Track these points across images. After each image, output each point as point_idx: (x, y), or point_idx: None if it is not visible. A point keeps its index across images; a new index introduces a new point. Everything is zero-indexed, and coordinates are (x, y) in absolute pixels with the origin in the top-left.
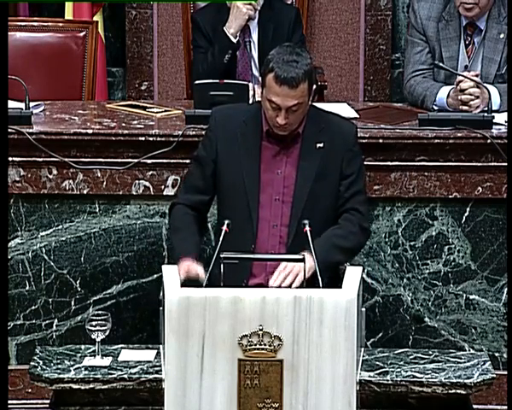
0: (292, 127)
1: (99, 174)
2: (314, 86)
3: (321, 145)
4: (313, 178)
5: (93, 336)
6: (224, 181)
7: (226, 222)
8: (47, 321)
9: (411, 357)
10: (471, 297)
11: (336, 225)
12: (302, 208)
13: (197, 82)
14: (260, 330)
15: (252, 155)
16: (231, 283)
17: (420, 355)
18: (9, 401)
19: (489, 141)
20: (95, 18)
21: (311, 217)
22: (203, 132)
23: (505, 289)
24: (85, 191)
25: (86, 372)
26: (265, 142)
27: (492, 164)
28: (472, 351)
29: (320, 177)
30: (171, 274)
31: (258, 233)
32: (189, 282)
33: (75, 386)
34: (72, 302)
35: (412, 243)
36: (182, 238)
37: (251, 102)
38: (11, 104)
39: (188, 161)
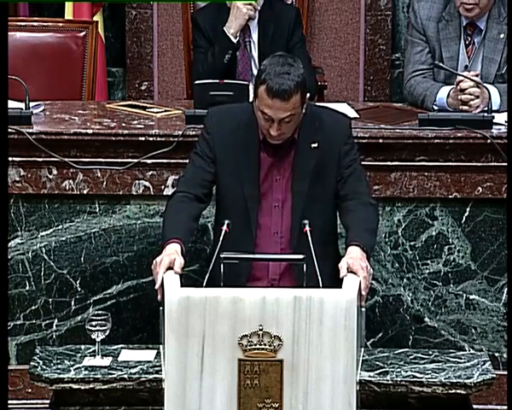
0: (286, 136)
1: (99, 174)
2: (308, 94)
3: (315, 145)
4: (309, 180)
5: (93, 336)
6: (223, 187)
7: (226, 222)
8: (47, 321)
9: (411, 357)
10: (471, 297)
11: (354, 211)
12: (302, 210)
13: (197, 82)
14: (260, 330)
15: (251, 167)
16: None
17: (420, 355)
18: (9, 401)
19: (489, 141)
20: (95, 18)
21: (312, 217)
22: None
23: (505, 289)
24: (85, 191)
25: (86, 372)
26: (263, 152)
27: (492, 164)
28: (472, 351)
29: (316, 176)
30: (172, 274)
31: (258, 240)
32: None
33: (75, 386)
34: (72, 302)
35: (412, 243)
36: (173, 220)
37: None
38: (11, 104)
39: (188, 161)
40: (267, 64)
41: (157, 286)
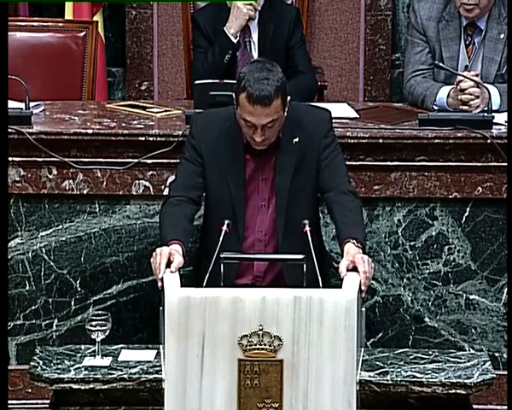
0: (270, 141)
1: (99, 174)
2: (288, 98)
3: (297, 140)
4: (292, 175)
5: (93, 336)
6: (210, 190)
7: (226, 222)
8: (47, 321)
9: (411, 357)
10: (471, 297)
11: (338, 203)
12: (285, 206)
13: (197, 82)
14: (260, 330)
15: (237, 169)
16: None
17: (420, 355)
18: (9, 401)
19: (489, 141)
20: (95, 18)
21: (295, 211)
22: None
23: (505, 289)
24: (85, 191)
25: (86, 372)
26: (248, 155)
27: (492, 164)
28: (472, 351)
29: (298, 170)
30: (172, 274)
31: (245, 240)
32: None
33: (75, 386)
34: (72, 302)
35: (412, 243)
36: (171, 223)
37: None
38: (11, 104)
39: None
40: (246, 71)
41: (160, 276)
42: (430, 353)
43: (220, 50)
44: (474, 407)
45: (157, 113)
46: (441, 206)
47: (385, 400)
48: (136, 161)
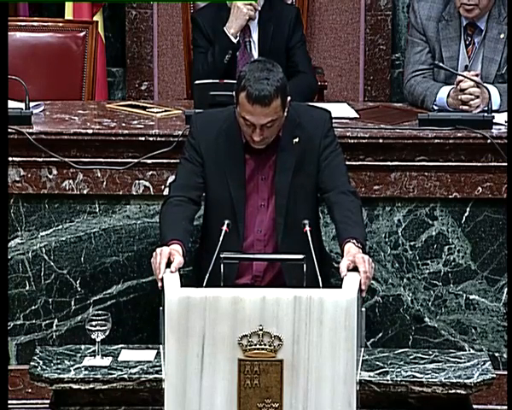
0: (269, 140)
1: (99, 174)
2: (288, 98)
3: (297, 140)
4: (292, 175)
5: (93, 336)
6: (210, 190)
7: (226, 222)
8: (47, 321)
9: (411, 357)
10: (471, 297)
11: (338, 203)
12: (285, 206)
13: (197, 82)
14: (260, 330)
15: (236, 168)
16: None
17: (420, 355)
18: (9, 401)
19: (489, 141)
20: (95, 18)
21: (295, 211)
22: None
23: (505, 289)
24: (85, 191)
25: (86, 372)
26: (248, 154)
27: (492, 164)
28: (472, 351)
29: (298, 170)
30: (171, 275)
31: (245, 240)
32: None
33: (75, 386)
34: (72, 302)
35: (412, 243)
36: (171, 223)
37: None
38: (11, 104)
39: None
40: (246, 70)
41: (160, 276)
42: (430, 353)
43: (220, 50)
44: (474, 407)
45: (157, 113)
46: (441, 206)
47: (385, 400)
48: (136, 161)
